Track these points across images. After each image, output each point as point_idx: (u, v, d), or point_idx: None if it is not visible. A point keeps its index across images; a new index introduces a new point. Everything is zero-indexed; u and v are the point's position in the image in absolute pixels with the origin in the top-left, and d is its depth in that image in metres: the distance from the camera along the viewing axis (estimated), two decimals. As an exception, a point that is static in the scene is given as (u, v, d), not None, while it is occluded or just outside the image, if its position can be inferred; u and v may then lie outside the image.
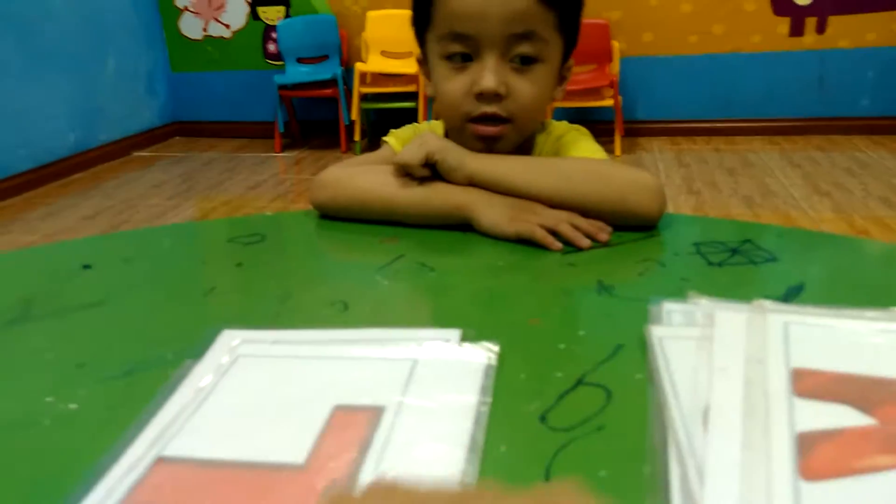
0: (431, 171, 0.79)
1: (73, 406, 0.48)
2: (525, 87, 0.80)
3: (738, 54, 4.07)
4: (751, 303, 0.52)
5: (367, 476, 0.38)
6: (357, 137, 4.17)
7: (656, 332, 0.50)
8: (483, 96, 0.79)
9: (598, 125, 3.37)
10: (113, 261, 0.76)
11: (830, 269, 0.69)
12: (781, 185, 3.24)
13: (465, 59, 0.80)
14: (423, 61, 0.89)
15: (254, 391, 0.47)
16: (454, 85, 0.81)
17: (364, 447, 0.40)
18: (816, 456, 0.35)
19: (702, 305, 0.53)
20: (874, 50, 3.94)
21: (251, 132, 4.69)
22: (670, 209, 0.78)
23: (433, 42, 0.83)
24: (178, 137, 4.91)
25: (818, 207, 2.94)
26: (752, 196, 3.12)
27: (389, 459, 0.39)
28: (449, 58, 0.81)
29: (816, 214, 2.86)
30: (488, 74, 0.78)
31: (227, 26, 4.66)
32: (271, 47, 4.59)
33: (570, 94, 3.63)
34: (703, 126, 4.20)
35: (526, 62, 0.79)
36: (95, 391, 0.50)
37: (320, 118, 4.55)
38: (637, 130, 4.20)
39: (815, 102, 4.08)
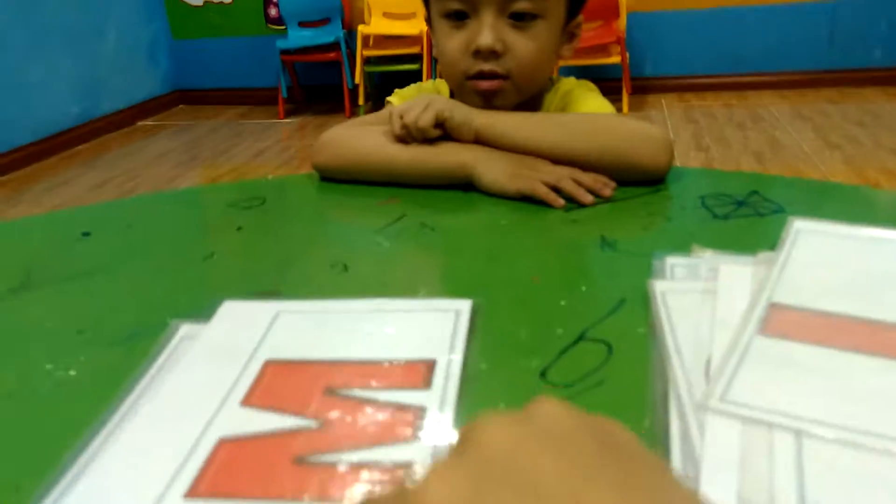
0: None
1: (72, 373, 0.48)
2: (523, 44, 0.78)
3: (748, 7, 3.98)
4: (756, 255, 0.51)
5: None
6: (361, 101, 4.13)
7: (659, 287, 0.49)
8: (480, 53, 0.78)
9: (606, 83, 3.29)
10: (112, 228, 0.75)
11: (838, 218, 0.67)
12: (792, 140, 3.19)
13: (461, 16, 0.79)
14: (429, 21, 0.88)
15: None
16: (453, 43, 0.80)
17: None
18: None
19: (705, 259, 0.52)
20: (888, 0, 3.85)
21: (254, 99, 4.66)
22: (678, 166, 0.77)
23: (434, 1, 0.82)
24: (181, 106, 4.88)
25: (829, 161, 2.90)
26: (762, 151, 3.08)
27: None
28: (448, 16, 0.80)
29: (827, 168, 2.82)
30: (485, 31, 0.77)
31: (228, -8, 4.60)
32: (272, 12, 4.52)
33: (577, 52, 3.52)
34: (713, 81, 4.13)
35: (523, 18, 0.78)
36: (95, 358, 0.50)
37: (324, 83, 4.50)
38: (645, 87, 4.14)
39: (826, 55, 4.00)
